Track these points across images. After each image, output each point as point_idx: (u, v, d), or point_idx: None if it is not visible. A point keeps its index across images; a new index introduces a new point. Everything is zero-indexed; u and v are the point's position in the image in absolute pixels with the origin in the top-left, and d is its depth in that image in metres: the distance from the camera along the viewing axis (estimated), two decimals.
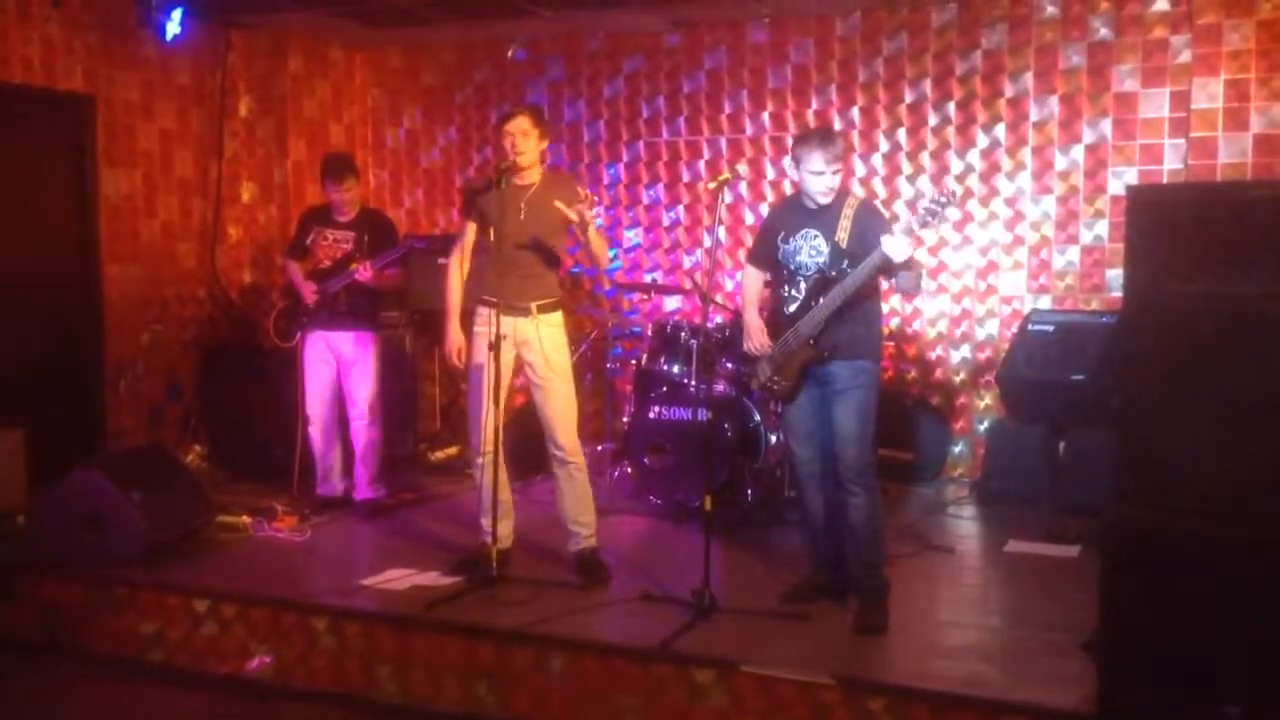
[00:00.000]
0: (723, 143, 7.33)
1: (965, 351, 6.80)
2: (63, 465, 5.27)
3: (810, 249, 4.28)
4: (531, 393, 4.86)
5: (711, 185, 4.64)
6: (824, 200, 4.25)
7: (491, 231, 4.73)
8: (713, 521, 4.37)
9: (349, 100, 8.18)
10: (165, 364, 7.22)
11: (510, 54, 7.79)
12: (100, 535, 4.94)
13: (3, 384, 6.17)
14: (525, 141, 4.65)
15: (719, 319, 6.44)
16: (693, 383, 6.15)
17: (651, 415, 6.04)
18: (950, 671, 3.76)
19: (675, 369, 6.27)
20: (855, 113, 6.95)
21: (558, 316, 4.80)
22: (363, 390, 5.90)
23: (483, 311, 4.74)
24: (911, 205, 6.66)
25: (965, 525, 5.84)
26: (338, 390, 5.96)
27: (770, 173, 7.18)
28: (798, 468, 4.48)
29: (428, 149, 8.23)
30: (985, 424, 6.66)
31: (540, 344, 4.71)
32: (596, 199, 4.91)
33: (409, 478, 6.66)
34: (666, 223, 7.53)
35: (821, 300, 4.20)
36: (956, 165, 6.75)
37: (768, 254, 4.48)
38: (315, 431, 6.00)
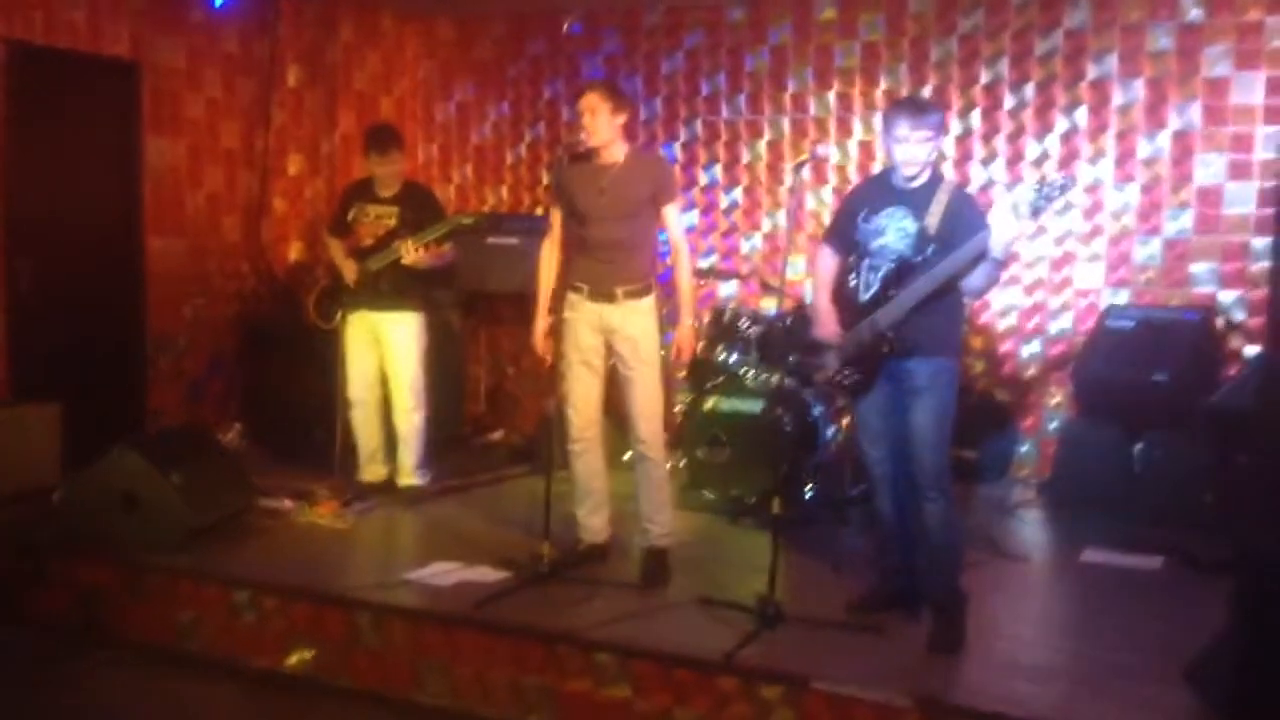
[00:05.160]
0: (785, 123, 7.04)
1: (1036, 346, 6.49)
2: (100, 442, 5.10)
3: (897, 230, 3.98)
4: (619, 381, 4.66)
5: (791, 166, 4.35)
6: (909, 172, 3.96)
7: (574, 214, 4.51)
8: (780, 525, 4.11)
9: (399, 72, 7.96)
10: (207, 340, 7.04)
11: (566, 27, 7.54)
12: (137, 517, 4.76)
13: (41, 358, 6.00)
14: (595, 119, 4.40)
15: (774, 307, 6.21)
16: (752, 372, 5.90)
17: (707, 406, 5.79)
18: (1038, 696, 3.49)
19: (733, 358, 6.02)
20: (925, 93, 6.62)
21: (647, 302, 4.58)
22: (407, 373, 5.68)
23: (570, 297, 4.55)
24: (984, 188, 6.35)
25: (1036, 530, 5.55)
26: (381, 373, 5.75)
27: (835, 154, 6.88)
28: (869, 469, 4.21)
29: (478, 124, 8.00)
30: (1055, 423, 6.36)
31: (627, 331, 4.51)
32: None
33: (454, 462, 6.44)
34: (724, 205, 7.25)
35: (903, 289, 3.92)
36: (1033, 150, 6.43)
37: (845, 234, 4.20)
38: (358, 415, 5.79)
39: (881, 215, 4.04)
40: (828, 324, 4.17)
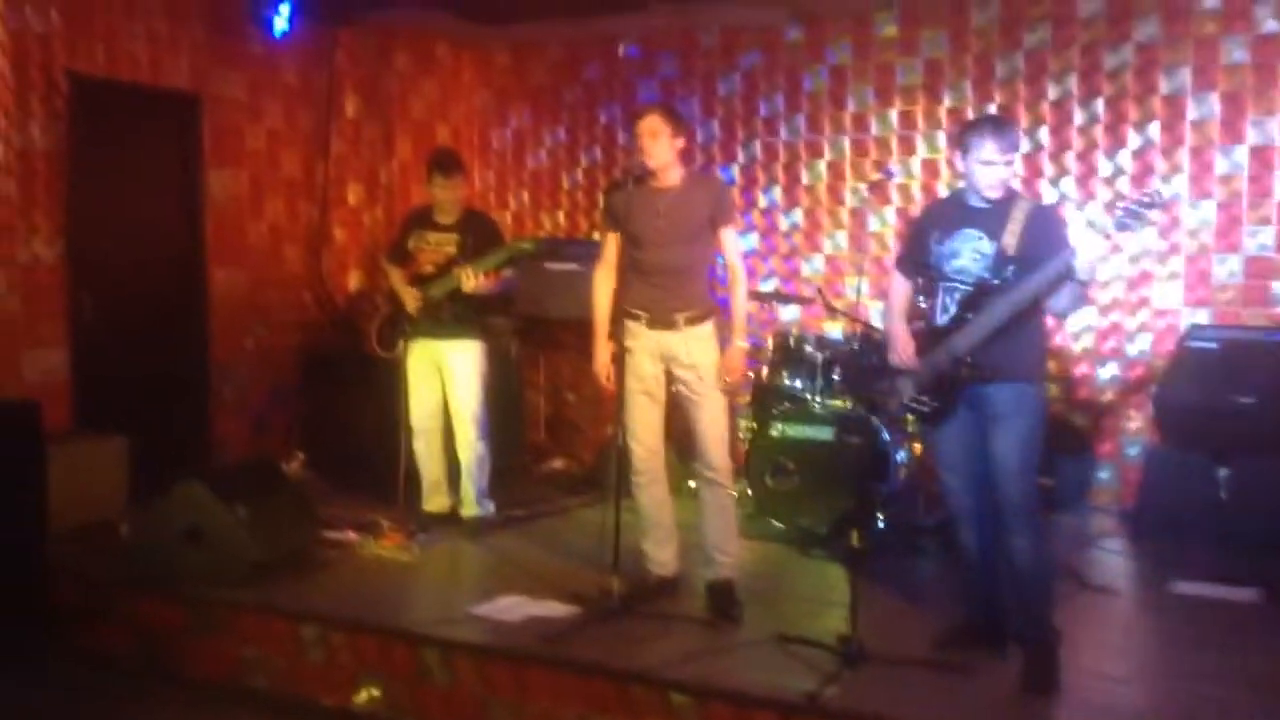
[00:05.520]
0: (846, 143, 6.92)
1: (1114, 369, 6.29)
2: (165, 475, 5.08)
3: (972, 252, 3.85)
4: (681, 409, 4.55)
5: (862, 186, 4.24)
6: (992, 194, 3.82)
7: (631, 238, 4.43)
8: (862, 560, 3.97)
9: (456, 100, 7.95)
10: (269, 370, 7.03)
11: (621, 51, 7.49)
12: (202, 551, 4.72)
13: (105, 389, 6.02)
14: (654, 142, 4.32)
15: (839, 330, 6.10)
16: (819, 398, 5.77)
17: (774, 433, 5.66)
18: None
19: (798, 383, 5.90)
20: (991, 110, 6.47)
21: (708, 328, 4.48)
22: (470, 402, 5.60)
23: (629, 325, 4.46)
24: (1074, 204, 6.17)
25: (1120, 561, 5.35)
26: (443, 402, 5.68)
27: (897, 174, 6.74)
28: (949, 500, 4.06)
29: (534, 150, 7.96)
30: (1135, 448, 6.15)
31: (690, 358, 4.41)
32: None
33: (516, 492, 6.35)
34: (785, 227, 7.14)
35: (982, 313, 3.78)
36: (1105, 167, 6.25)
37: (917, 258, 4.07)
38: (420, 445, 5.73)
39: (955, 238, 3.91)
40: (904, 349, 4.04)
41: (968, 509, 3.98)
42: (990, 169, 3.78)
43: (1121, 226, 3.53)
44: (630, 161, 4.52)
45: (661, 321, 4.39)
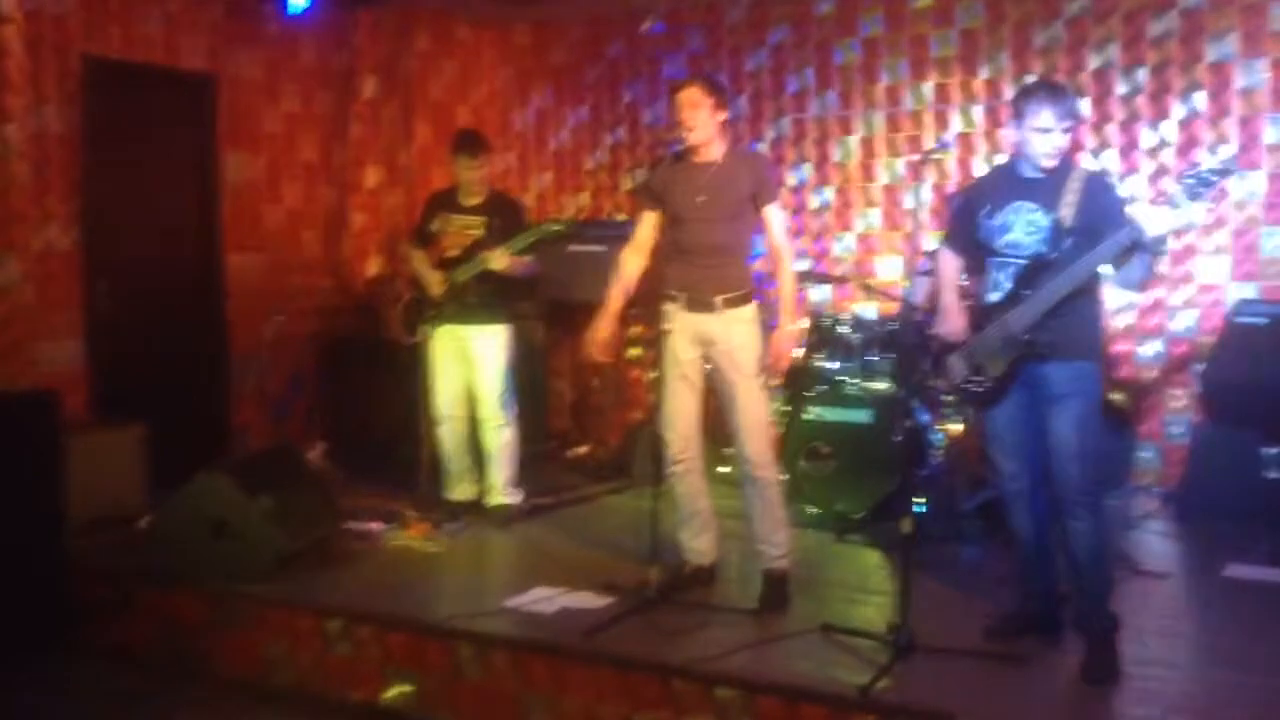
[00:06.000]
0: (878, 118, 6.72)
1: (1158, 345, 6.09)
2: (184, 464, 4.96)
3: (1026, 225, 3.67)
4: (718, 397, 4.38)
5: (917, 158, 4.05)
6: (1048, 164, 3.64)
7: (670, 216, 4.26)
8: (912, 547, 3.80)
9: (476, 80, 7.77)
10: (288, 357, 6.89)
11: (645, 27, 7.29)
12: (226, 544, 4.58)
13: (122, 377, 5.89)
14: (695, 114, 4.14)
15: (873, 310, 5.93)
16: (855, 380, 5.61)
17: (809, 417, 5.50)
18: None
19: (834, 365, 5.73)
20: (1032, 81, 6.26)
21: (748, 311, 4.28)
22: (495, 388, 5.45)
23: (666, 308, 4.29)
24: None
25: (1169, 544, 5.17)
26: (468, 388, 5.53)
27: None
28: (1002, 483, 3.89)
29: (556, 130, 7.79)
30: (1178, 428, 5.97)
31: (728, 343, 4.22)
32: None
33: (543, 479, 6.18)
34: (815, 205, 6.95)
35: (1040, 288, 3.60)
36: (1149, 138, 6.05)
37: (966, 233, 3.90)
38: (445, 432, 5.57)
39: (1007, 210, 3.73)
40: (954, 322, 3.86)
41: (1023, 493, 3.82)
42: (1046, 137, 3.59)
43: (1193, 196, 3.35)
44: (669, 136, 4.32)
45: (699, 303, 4.22)
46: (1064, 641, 3.77)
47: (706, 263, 4.21)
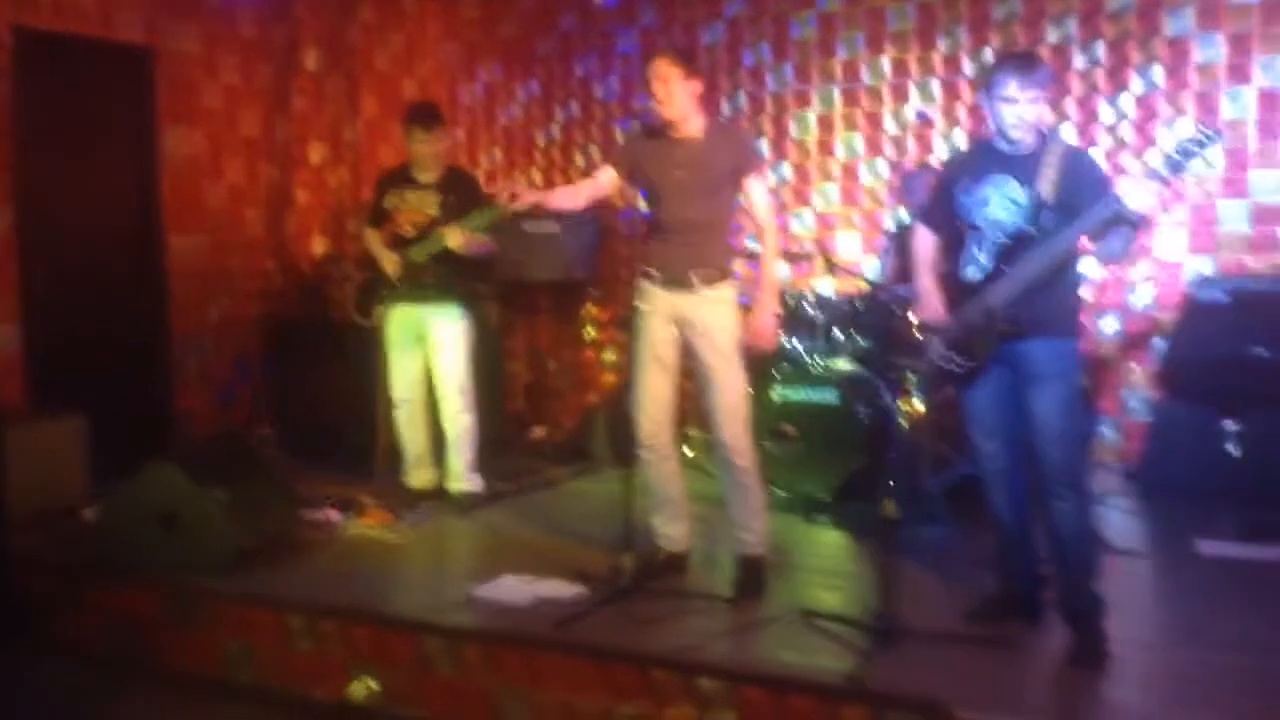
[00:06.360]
0: (836, 93, 6.64)
1: (1114, 321, 6.10)
2: (126, 452, 4.77)
3: (1002, 200, 3.61)
4: (695, 380, 4.27)
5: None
6: (1016, 136, 3.57)
7: (648, 192, 4.15)
8: (893, 531, 3.74)
9: (422, 53, 7.56)
10: (232, 341, 6.67)
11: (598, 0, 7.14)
12: (179, 538, 4.39)
13: (60, 365, 5.65)
14: (668, 88, 3.99)
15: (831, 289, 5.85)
16: (818, 359, 5.55)
17: (774, 396, 5.43)
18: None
19: (798, 344, 5.65)
20: (989, 55, 6.22)
21: (726, 291, 4.15)
22: (455, 371, 5.29)
23: (642, 285, 4.16)
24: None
25: (1135, 521, 5.16)
26: (425, 371, 5.37)
27: (891, 125, 6.49)
28: (982, 463, 3.83)
29: (506, 105, 7.60)
30: (1137, 403, 5.99)
31: (704, 323, 4.09)
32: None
33: (501, 464, 6.04)
34: (772, 182, 6.86)
35: (1019, 264, 3.55)
36: (1107, 113, 6.03)
37: (942, 209, 3.83)
38: (402, 416, 5.41)
39: (985, 185, 3.67)
40: (931, 305, 3.80)
41: (1002, 473, 3.76)
42: (1012, 108, 3.53)
43: (1175, 167, 3.31)
44: (642, 109, 4.17)
45: (675, 281, 4.09)
46: (1046, 624, 3.73)
47: (685, 240, 4.09)
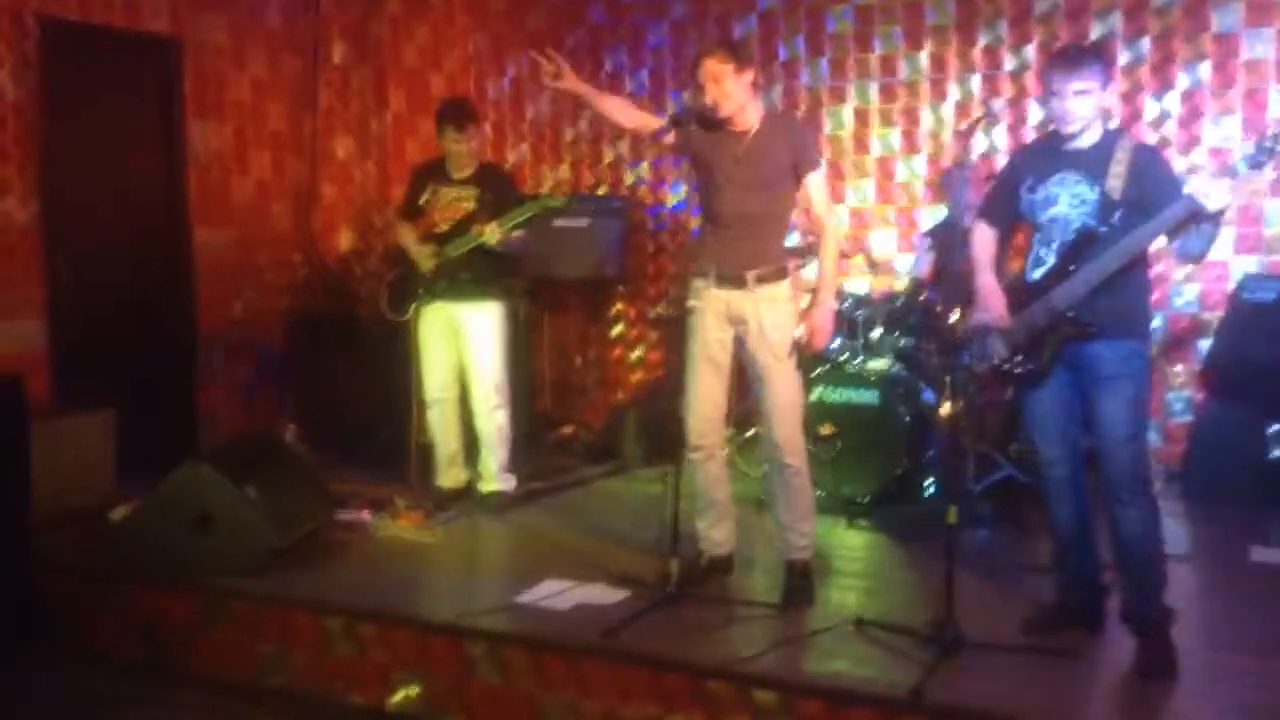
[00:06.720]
0: (873, 88, 6.52)
1: (1157, 321, 5.97)
2: (151, 449, 4.69)
3: (1071, 198, 3.50)
4: (748, 380, 4.16)
5: (963, 127, 3.86)
6: (1070, 129, 3.47)
7: (704, 183, 4.04)
8: (956, 540, 3.62)
9: (449, 46, 7.44)
10: (258, 336, 6.58)
11: None
12: (213, 539, 4.30)
13: (86, 360, 5.55)
14: (721, 86, 3.88)
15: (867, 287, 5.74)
16: (858, 359, 5.44)
17: (814, 397, 5.32)
18: None
19: (837, 344, 5.54)
20: (1029, 51, 6.10)
21: (782, 289, 4.03)
22: (490, 369, 5.20)
23: (695, 284, 4.06)
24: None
25: (1182, 526, 5.05)
26: (459, 369, 5.27)
27: (927, 121, 6.37)
28: (1043, 469, 3.71)
29: (534, 99, 7.49)
30: (1181, 405, 5.87)
31: (760, 323, 3.98)
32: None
33: (532, 463, 5.93)
34: None
35: (1088, 263, 3.44)
36: (1151, 109, 5.91)
37: (1006, 207, 3.72)
38: (435, 415, 5.31)
39: (1051, 183, 3.56)
40: (995, 305, 3.68)
41: (1065, 479, 3.65)
42: (1057, 101, 3.45)
43: (1254, 164, 3.20)
44: (697, 102, 4.06)
45: (730, 279, 3.98)
46: (1108, 633, 3.62)
47: (741, 233, 3.98)
